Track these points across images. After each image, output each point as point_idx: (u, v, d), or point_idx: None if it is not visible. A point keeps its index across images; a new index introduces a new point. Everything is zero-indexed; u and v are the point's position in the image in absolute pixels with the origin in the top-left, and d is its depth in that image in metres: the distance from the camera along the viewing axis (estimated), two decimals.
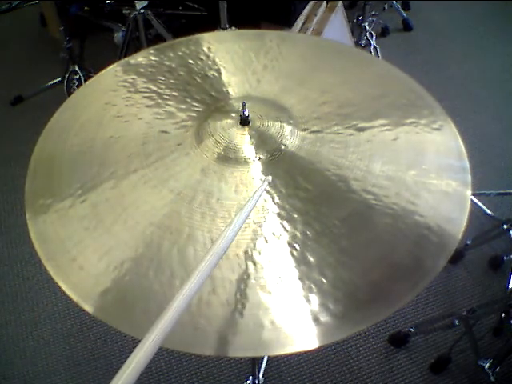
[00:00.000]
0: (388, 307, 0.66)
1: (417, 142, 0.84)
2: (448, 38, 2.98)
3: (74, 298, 0.68)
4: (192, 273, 0.55)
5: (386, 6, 2.96)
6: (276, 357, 1.61)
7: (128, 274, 0.69)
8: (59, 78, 2.51)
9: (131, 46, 2.32)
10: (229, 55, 1.00)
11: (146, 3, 2.24)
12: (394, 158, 0.81)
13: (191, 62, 0.99)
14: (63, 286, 0.69)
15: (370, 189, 0.76)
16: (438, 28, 3.07)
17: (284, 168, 0.78)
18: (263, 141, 0.81)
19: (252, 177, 0.77)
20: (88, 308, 0.67)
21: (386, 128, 0.85)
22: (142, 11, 2.25)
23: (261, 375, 1.54)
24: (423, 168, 0.79)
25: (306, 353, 1.62)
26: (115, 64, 1.00)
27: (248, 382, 1.47)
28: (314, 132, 0.83)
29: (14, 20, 3.19)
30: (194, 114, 0.88)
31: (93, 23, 2.65)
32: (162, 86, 0.94)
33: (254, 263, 0.69)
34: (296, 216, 0.73)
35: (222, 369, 1.62)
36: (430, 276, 0.68)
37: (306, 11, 2.16)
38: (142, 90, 0.94)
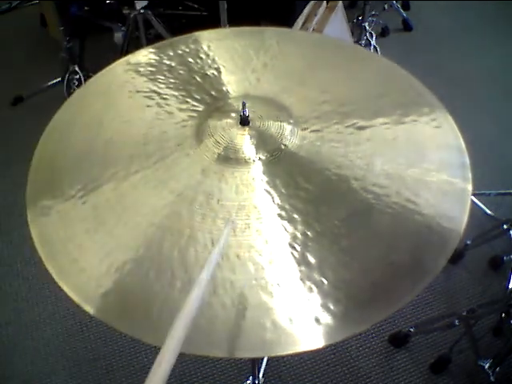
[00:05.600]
0: (388, 307, 0.66)
1: (417, 140, 0.83)
2: (448, 38, 2.98)
3: (76, 299, 0.68)
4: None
5: (386, 5, 2.96)
6: (276, 357, 1.61)
7: (129, 275, 0.69)
8: (59, 78, 2.51)
9: (131, 46, 2.32)
10: (228, 53, 1.00)
11: (145, 3, 2.24)
12: (395, 156, 0.81)
13: (191, 60, 0.98)
14: (65, 288, 0.69)
15: (371, 188, 0.76)
16: (438, 28, 3.07)
17: (284, 168, 0.78)
18: (263, 141, 0.80)
19: (252, 177, 0.77)
20: (89, 309, 0.67)
21: (386, 126, 0.85)
22: (141, 11, 2.25)
23: (261, 375, 1.54)
24: (423, 166, 0.79)
25: (306, 353, 1.62)
26: (115, 63, 1.00)
27: (248, 382, 1.47)
28: (314, 131, 0.83)
29: (14, 20, 3.19)
30: (194, 114, 0.87)
31: (93, 23, 2.66)
32: (162, 86, 0.94)
33: (255, 264, 0.69)
34: (296, 216, 0.73)
35: (222, 369, 1.62)
36: (430, 276, 0.68)
37: (306, 11, 2.16)
38: (142, 89, 0.93)
